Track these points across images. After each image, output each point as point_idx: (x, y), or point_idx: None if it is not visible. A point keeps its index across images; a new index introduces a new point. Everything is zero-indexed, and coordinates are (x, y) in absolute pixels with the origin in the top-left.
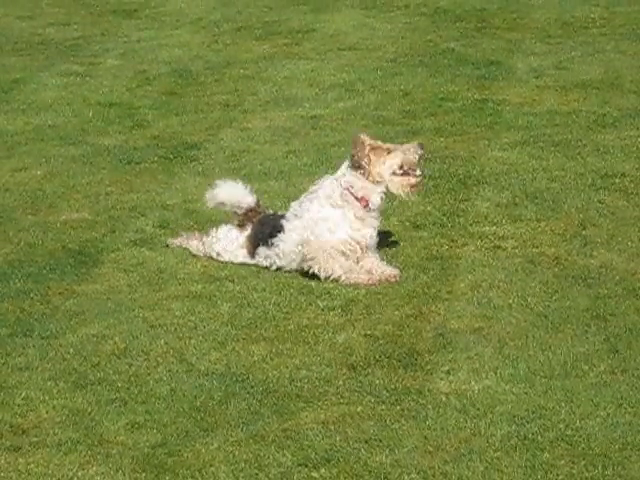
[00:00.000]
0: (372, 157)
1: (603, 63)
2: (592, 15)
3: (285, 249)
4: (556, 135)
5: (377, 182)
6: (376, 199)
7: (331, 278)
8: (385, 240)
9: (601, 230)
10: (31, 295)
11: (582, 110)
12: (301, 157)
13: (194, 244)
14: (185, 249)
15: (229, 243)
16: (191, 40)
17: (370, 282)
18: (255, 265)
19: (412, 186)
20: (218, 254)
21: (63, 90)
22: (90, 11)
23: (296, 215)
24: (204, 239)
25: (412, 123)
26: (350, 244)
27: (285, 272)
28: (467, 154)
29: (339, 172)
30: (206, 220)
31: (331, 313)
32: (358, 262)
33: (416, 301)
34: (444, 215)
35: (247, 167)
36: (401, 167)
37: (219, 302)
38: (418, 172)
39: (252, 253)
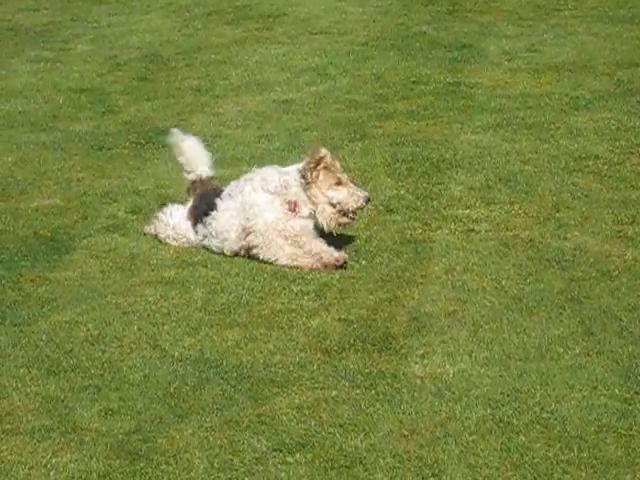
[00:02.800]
0: (320, 176)
1: (575, 45)
2: None
3: (218, 228)
4: (529, 118)
5: (311, 200)
6: (305, 211)
7: (277, 263)
8: (358, 224)
9: (575, 212)
10: (2, 282)
11: (555, 92)
12: (273, 141)
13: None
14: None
15: (179, 217)
16: (162, 25)
17: (314, 266)
18: (204, 247)
19: (339, 224)
20: (173, 228)
21: (33, 76)
22: None
23: (230, 195)
24: (159, 220)
25: (384, 107)
26: (281, 227)
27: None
28: (440, 137)
29: (286, 168)
30: None
31: (305, 298)
32: (302, 247)
33: (390, 285)
34: (417, 199)
35: (219, 152)
36: (339, 203)
37: (192, 288)
38: (351, 216)
39: (195, 225)
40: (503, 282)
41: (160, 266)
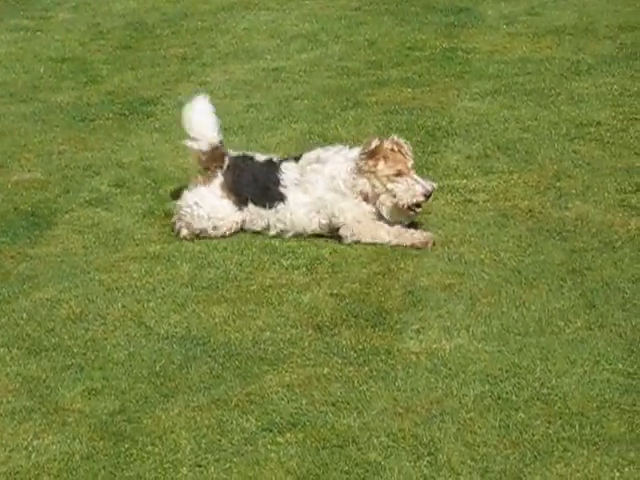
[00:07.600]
0: (379, 166)
1: (577, 8)
2: None
3: (295, 221)
4: (528, 84)
5: (373, 191)
6: (379, 207)
7: (378, 241)
8: None
9: (576, 181)
10: None
11: (555, 57)
12: (263, 111)
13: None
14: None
15: (210, 201)
16: None
17: (415, 243)
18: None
19: (405, 216)
20: (209, 217)
21: (13, 45)
22: None
23: (297, 185)
24: (186, 216)
25: (378, 74)
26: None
27: (249, 231)
28: (436, 105)
29: (352, 153)
30: (163, 178)
31: (295, 272)
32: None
33: (384, 258)
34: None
35: None
36: (395, 197)
37: (178, 263)
38: (414, 209)
39: (238, 203)
40: (502, 254)
41: (145, 241)
